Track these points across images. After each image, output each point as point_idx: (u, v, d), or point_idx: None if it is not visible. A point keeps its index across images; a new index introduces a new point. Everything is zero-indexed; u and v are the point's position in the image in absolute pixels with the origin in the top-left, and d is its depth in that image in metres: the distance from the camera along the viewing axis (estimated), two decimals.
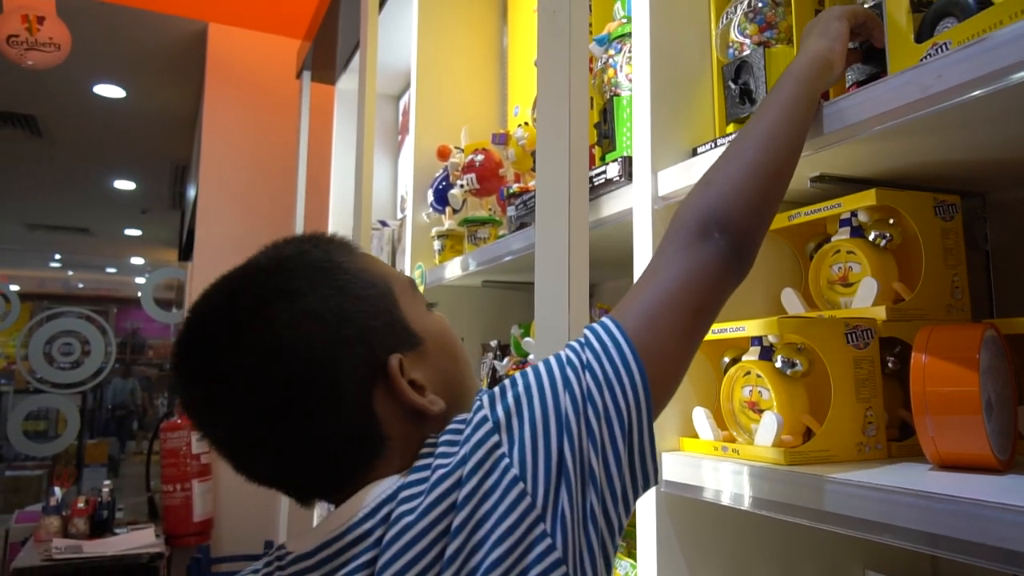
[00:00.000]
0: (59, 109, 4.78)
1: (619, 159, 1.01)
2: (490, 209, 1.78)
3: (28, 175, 6.38)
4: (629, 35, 1.08)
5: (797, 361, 0.79)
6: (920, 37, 0.65)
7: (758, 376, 0.81)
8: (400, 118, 2.93)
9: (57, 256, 10.35)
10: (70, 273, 11.36)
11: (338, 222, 2.85)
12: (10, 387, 6.29)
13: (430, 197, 1.87)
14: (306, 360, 0.58)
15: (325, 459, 0.60)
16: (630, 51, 1.08)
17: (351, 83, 2.96)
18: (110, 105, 4.66)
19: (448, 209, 1.80)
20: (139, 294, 3.82)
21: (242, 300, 0.62)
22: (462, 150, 1.81)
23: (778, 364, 0.80)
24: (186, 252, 5.36)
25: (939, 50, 0.62)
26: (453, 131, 1.96)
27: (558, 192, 0.91)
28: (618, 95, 1.09)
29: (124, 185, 6.83)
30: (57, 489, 3.03)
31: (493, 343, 1.71)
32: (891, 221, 0.86)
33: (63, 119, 5.00)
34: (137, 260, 10.78)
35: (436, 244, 1.82)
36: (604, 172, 1.03)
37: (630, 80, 1.08)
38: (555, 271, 0.91)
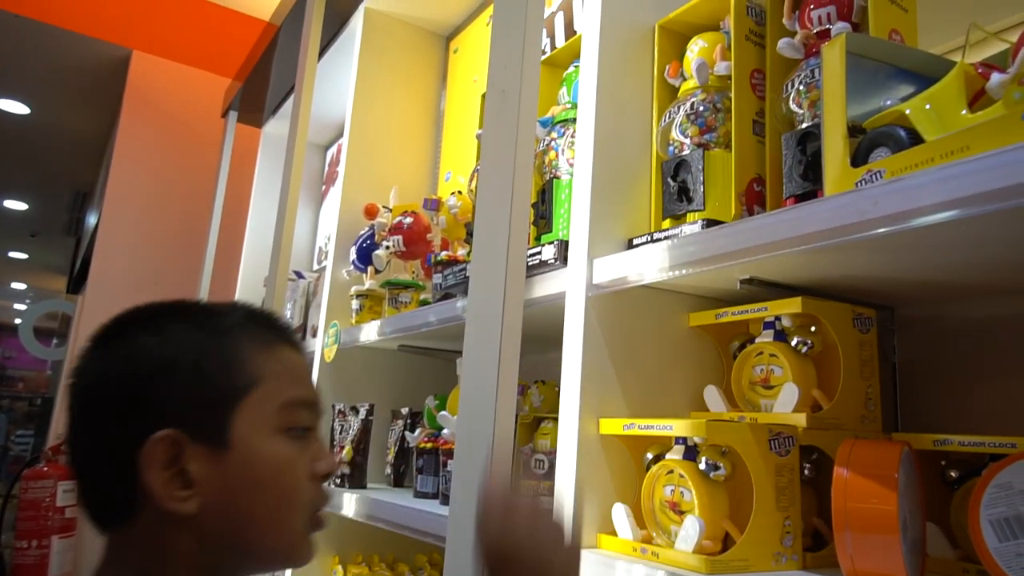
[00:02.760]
0: None
1: (555, 242, 1.01)
2: (413, 273, 1.74)
3: None
4: (573, 120, 1.10)
5: (721, 464, 0.78)
6: (856, 162, 0.68)
7: (681, 476, 0.80)
8: (326, 168, 2.88)
9: None
10: None
11: (250, 269, 2.73)
12: None
13: (352, 254, 1.82)
14: (127, 387, 0.62)
15: (92, 489, 0.64)
16: (572, 136, 1.10)
17: (279, 128, 2.90)
18: (10, 120, 4.38)
19: (370, 268, 1.76)
20: (18, 325, 3.52)
21: (110, 325, 0.67)
22: (390, 210, 1.78)
23: (702, 466, 0.79)
24: (77, 283, 5.01)
25: (873, 177, 0.65)
26: (381, 189, 1.94)
27: (495, 270, 0.89)
28: (558, 177, 1.09)
29: (15, 205, 6.38)
30: None
31: (404, 411, 1.65)
32: (812, 328, 0.89)
33: None
34: (19, 285, 10.03)
35: (355, 303, 1.76)
36: (539, 253, 1.03)
37: (571, 164, 1.09)
38: (486, 351, 0.89)
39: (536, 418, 1.25)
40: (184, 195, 3.39)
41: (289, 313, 2.23)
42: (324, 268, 2.02)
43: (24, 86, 3.90)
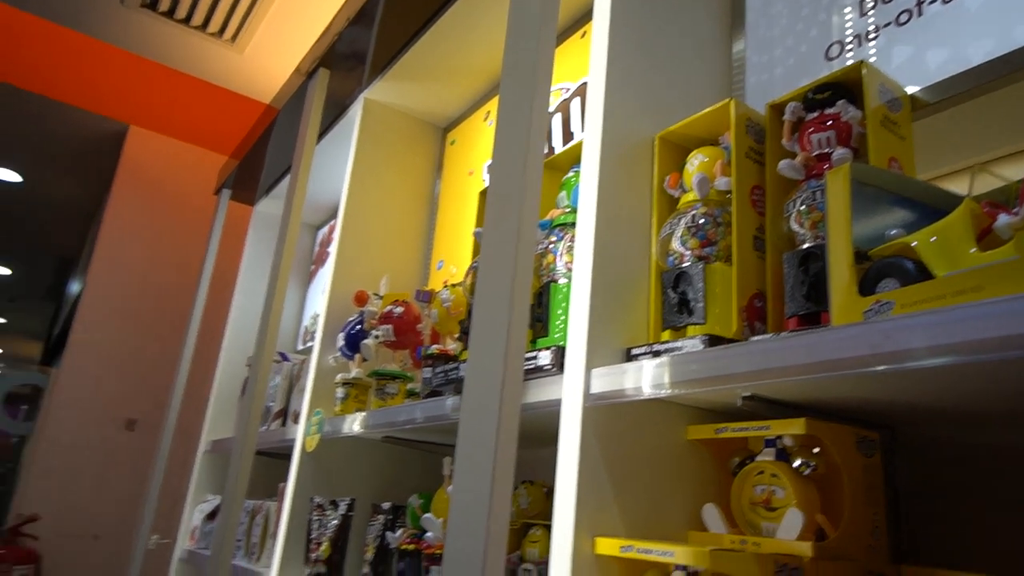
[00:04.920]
0: None
1: (552, 348, 0.99)
2: (401, 363, 1.71)
3: None
4: (571, 225, 1.10)
5: None
6: (863, 290, 0.68)
7: None
8: (316, 248, 2.88)
9: None
10: None
11: (233, 347, 2.68)
12: None
13: (340, 341, 1.79)
14: None
15: None
16: (571, 240, 1.10)
17: (271, 207, 2.92)
18: (2, 188, 4.38)
19: (358, 356, 1.72)
20: None
21: None
22: (380, 298, 1.76)
23: None
24: (54, 350, 4.91)
25: (882, 308, 0.64)
26: (372, 275, 1.93)
27: (491, 376, 0.87)
28: (555, 281, 1.09)
29: None
30: None
31: (386, 506, 1.59)
32: (815, 450, 0.87)
33: None
34: None
35: (339, 391, 1.72)
36: (536, 358, 1.01)
37: (568, 268, 1.09)
38: (479, 458, 0.85)
39: (524, 523, 1.20)
40: (171, 269, 3.37)
41: (271, 396, 2.18)
42: (309, 349, 1.99)
43: (18, 155, 3.92)
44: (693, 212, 0.95)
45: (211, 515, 2.31)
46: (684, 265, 0.94)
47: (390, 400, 1.61)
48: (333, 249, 1.96)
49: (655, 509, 0.94)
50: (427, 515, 1.27)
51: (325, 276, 2.74)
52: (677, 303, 0.92)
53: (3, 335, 9.11)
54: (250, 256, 2.86)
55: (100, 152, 3.60)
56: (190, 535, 2.40)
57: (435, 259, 2.01)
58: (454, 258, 1.91)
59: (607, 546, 0.85)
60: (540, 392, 1.00)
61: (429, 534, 1.28)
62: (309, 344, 2.58)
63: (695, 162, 0.98)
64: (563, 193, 1.19)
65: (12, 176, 4.20)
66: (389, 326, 1.62)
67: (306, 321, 2.77)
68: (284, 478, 1.84)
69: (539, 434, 1.01)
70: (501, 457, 0.83)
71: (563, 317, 1.05)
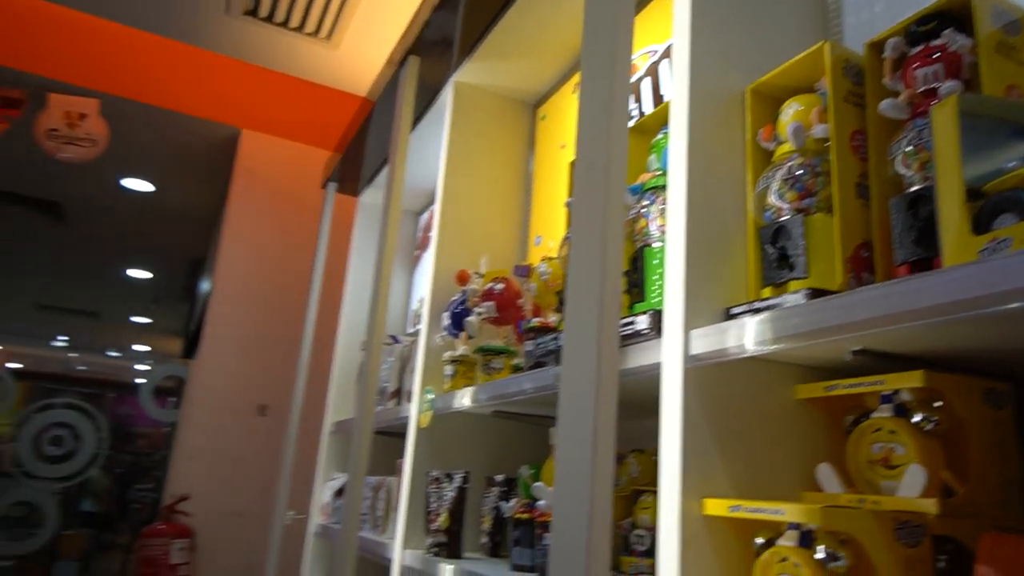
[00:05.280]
0: (85, 198, 4.90)
1: (649, 312, 0.98)
2: (505, 338, 1.75)
3: (45, 257, 6.46)
4: (663, 187, 1.08)
5: (841, 555, 0.72)
6: (978, 228, 0.63)
7: (796, 565, 0.75)
8: (419, 233, 2.96)
9: (62, 337, 10.33)
10: (72, 355, 11.30)
11: (348, 332, 2.82)
12: None
13: (446, 320, 1.84)
14: None
15: None
16: (663, 203, 1.08)
17: (374, 197, 3.02)
18: (137, 198, 4.77)
19: (463, 334, 1.77)
20: (141, 387, 3.76)
21: None
22: (481, 276, 1.80)
23: (819, 556, 0.74)
24: (192, 344, 5.32)
25: (1000, 246, 0.60)
26: (473, 254, 1.97)
27: (587, 344, 0.88)
28: (649, 246, 1.07)
29: (139, 274, 6.90)
30: None
31: (499, 478, 1.63)
32: (937, 404, 0.82)
33: (87, 208, 5.12)
34: (141, 347, 10.73)
35: (448, 369, 1.78)
36: (633, 323, 1.00)
37: (662, 231, 1.07)
38: (580, 427, 0.86)
39: (635, 490, 1.20)
40: (288, 262, 3.57)
41: (385, 377, 2.27)
42: (418, 332, 2.07)
43: (148, 166, 4.25)
44: (789, 163, 0.91)
45: (339, 492, 2.45)
46: (782, 219, 0.90)
47: (496, 375, 1.64)
48: (434, 233, 2.02)
49: (765, 471, 0.92)
50: (537, 483, 1.30)
51: (428, 260, 2.84)
52: (777, 259, 0.89)
53: (150, 333, 9.96)
54: (358, 245, 2.98)
55: (218, 157, 3.86)
56: (322, 510, 2.56)
57: (532, 235, 2.03)
58: (552, 233, 1.92)
59: (716, 507, 0.85)
60: (640, 357, 1.00)
61: (541, 502, 1.31)
62: (418, 327, 2.67)
63: (789, 111, 0.94)
64: (653, 156, 1.17)
65: (145, 186, 4.57)
66: (491, 303, 1.66)
67: (414, 305, 2.86)
68: (402, 454, 1.92)
69: (646, 402, 1.00)
70: (601, 423, 0.84)
71: (659, 281, 1.04)
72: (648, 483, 1.22)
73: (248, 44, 3.09)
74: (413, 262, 2.93)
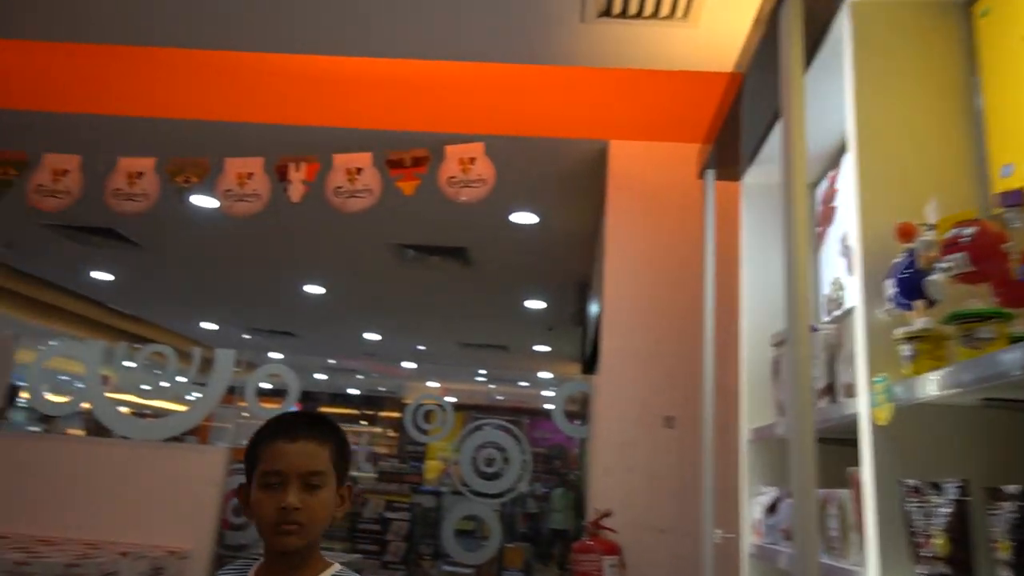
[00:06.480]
0: (482, 239, 5.45)
1: None
2: (985, 299, 1.30)
3: (460, 301, 7.41)
4: None
5: None
6: None
7: None
8: (819, 207, 2.56)
9: (481, 371, 11.83)
10: (491, 386, 12.87)
11: (753, 327, 2.53)
12: (448, 488, 7.22)
13: (890, 289, 1.46)
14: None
15: None
16: None
17: (758, 176, 2.72)
18: (525, 231, 5.14)
19: (919, 303, 1.37)
20: (551, 408, 3.97)
21: None
22: (934, 227, 1.39)
23: None
24: (589, 365, 5.54)
25: None
26: (908, 206, 1.55)
27: None
28: None
29: (534, 304, 7.51)
30: None
31: (1012, 489, 1.19)
32: None
33: (485, 248, 5.69)
34: (544, 374, 11.75)
35: (905, 349, 1.39)
36: None
37: None
38: None
39: None
40: (674, 264, 3.44)
41: (816, 370, 1.94)
42: (839, 317, 1.71)
43: (531, 197, 4.54)
44: None
45: (771, 508, 2.16)
46: None
47: (985, 347, 1.22)
48: (850, 191, 1.65)
49: None
50: None
51: (834, 236, 2.41)
52: None
53: (550, 361, 10.84)
54: (749, 232, 2.69)
55: (590, 175, 3.93)
56: (754, 529, 2.29)
57: (995, 165, 1.53)
58: None
59: None
60: None
61: None
62: (835, 313, 2.28)
63: None
64: None
65: (531, 218, 4.90)
66: (962, 253, 1.24)
67: (825, 289, 2.46)
68: (845, 463, 1.57)
69: None
70: None
71: None
72: None
73: (605, 47, 3.06)
74: (816, 241, 2.54)
